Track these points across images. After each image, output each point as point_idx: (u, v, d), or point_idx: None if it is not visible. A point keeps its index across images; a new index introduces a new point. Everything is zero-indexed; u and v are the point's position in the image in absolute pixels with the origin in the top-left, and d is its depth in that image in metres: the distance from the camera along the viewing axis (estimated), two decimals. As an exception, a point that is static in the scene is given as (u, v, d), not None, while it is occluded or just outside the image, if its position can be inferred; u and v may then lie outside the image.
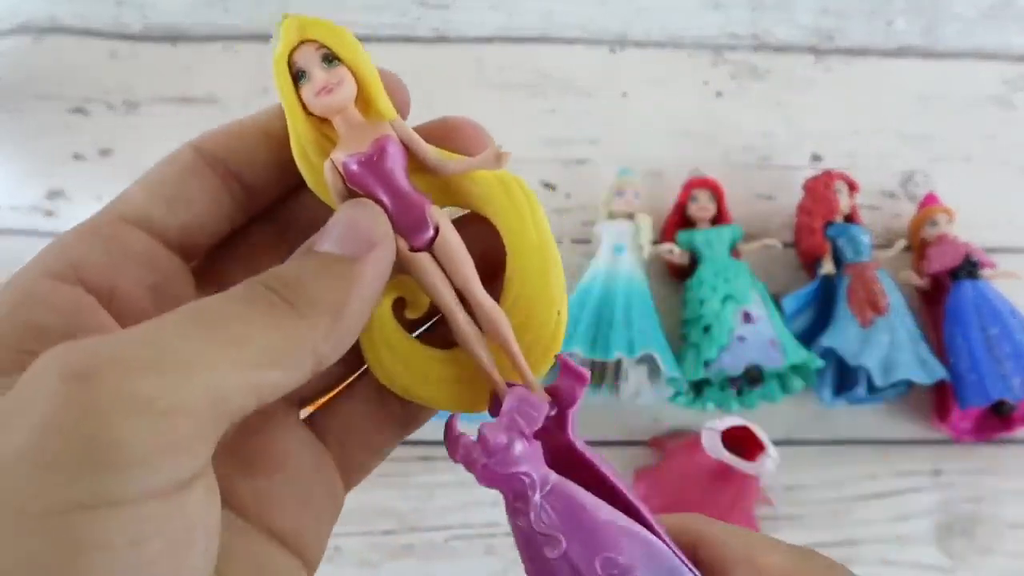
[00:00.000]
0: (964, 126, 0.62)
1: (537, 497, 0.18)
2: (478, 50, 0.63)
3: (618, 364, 0.50)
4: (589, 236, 0.55)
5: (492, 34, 0.64)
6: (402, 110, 0.19)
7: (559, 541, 0.17)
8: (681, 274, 0.55)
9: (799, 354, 0.48)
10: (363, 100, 0.19)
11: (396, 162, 0.18)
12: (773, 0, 0.66)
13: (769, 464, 0.40)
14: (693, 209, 0.54)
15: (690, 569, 0.18)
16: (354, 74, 0.19)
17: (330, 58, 0.19)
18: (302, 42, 0.19)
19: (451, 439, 0.18)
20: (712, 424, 0.41)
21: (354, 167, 0.18)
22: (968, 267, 0.52)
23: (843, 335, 0.50)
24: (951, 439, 0.51)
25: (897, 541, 0.49)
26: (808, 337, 0.52)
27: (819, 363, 0.49)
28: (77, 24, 0.62)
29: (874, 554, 0.48)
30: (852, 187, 0.55)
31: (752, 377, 0.50)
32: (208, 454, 0.14)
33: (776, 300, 0.53)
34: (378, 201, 0.18)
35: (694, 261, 0.53)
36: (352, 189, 0.18)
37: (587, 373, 0.19)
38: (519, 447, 0.18)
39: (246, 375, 0.14)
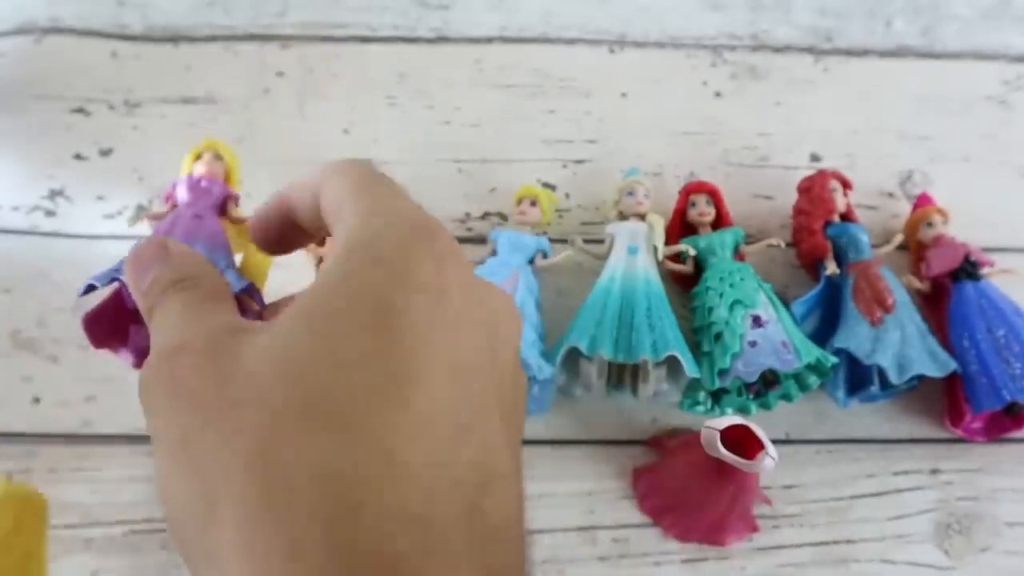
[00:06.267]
0: (963, 126, 0.62)
1: None
2: (478, 50, 0.63)
3: (635, 365, 0.50)
4: (588, 235, 0.55)
5: (492, 34, 0.64)
6: None
7: None
8: (685, 281, 0.54)
9: (812, 353, 0.47)
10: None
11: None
12: (772, 0, 0.66)
13: (768, 463, 0.40)
14: (692, 215, 0.54)
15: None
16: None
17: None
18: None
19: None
20: (711, 423, 0.41)
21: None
22: (968, 267, 0.52)
23: (855, 335, 0.50)
24: (950, 438, 0.51)
25: (896, 540, 0.49)
26: (818, 340, 0.51)
27: (833, 360, 0.48)
28: (78, 24, 0.62)
29: (873, 553, 0.48)
30: (846, 185, 0.55)
31: (768, 380, 0.50)
32: None
33: (783, 299, 0.52)
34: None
35: (699, 269, 0.53)
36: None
37: None
38: None
39: None
